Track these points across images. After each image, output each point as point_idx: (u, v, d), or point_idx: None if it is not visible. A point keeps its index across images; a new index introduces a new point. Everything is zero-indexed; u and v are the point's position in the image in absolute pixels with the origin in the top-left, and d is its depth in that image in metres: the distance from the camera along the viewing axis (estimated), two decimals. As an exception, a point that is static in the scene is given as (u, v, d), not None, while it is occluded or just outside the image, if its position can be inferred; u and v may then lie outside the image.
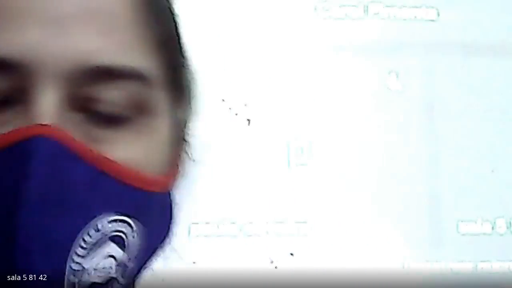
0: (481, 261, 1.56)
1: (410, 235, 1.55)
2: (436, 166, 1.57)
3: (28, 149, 0.50)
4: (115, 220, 0.53)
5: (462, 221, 1.56)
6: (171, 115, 0.58)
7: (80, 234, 0.51)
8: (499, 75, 1.59)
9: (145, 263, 0.58)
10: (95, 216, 0.52)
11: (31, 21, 0.52)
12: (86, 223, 0.52)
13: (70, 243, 0.51)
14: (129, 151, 0.54)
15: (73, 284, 0.51)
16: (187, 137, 0.62)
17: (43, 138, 0.50)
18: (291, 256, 1.50)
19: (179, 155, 0.61)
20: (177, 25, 0.61)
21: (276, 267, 1.49)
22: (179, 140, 0.60)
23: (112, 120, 0.53)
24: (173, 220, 0.60)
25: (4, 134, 0.51)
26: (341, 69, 1.55)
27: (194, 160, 0.62)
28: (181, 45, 0.61)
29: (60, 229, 0.50)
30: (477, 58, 1.58)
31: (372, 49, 1.54)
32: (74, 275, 0.51)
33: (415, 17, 1.57)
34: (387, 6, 1.55)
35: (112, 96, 0.53)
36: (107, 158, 0.53)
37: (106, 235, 0.53)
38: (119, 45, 0.54)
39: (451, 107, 1.57)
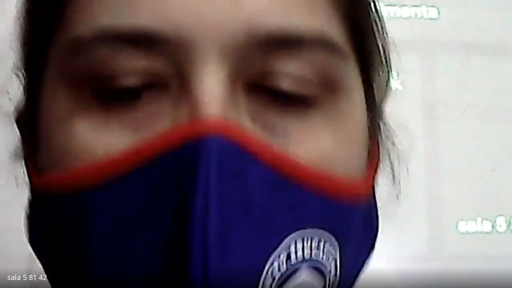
0: (481, 260, 1.56)
1: (409, 234, 1.54)
2: (435, 165, 1.57)
3: (197, 154, 0.37)
4: (310, 240, 0.40)
5: (462, 220, 1.55)
6: (364, 95, 0.45)
7: (269, 262, 0.39)
8: (500, 74, 1.59)
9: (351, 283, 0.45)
10: (285, 236, 0.39)
11: None
12: (275, 246, 0.39)
13: (258, 273, 0.38)
14: (321, 145, 0.41)
15: None
16: (384, 121, 0.49)
17: (215, 139, 0.38)
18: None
19: (378, 143, 0.49)
20: None
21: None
22: (375, 126, 0.48)
23: (295, 103, 0.40)
24: (379, 223, 0.47)
25: (162, 134, 0.39)
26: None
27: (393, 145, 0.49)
28: (373, 6, 0.47)
29: (246, 256, 0.38)
30: (477, 57, 1.58)
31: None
32: None
33: (416, 15, 1.56)
34: (387, 6, 1.54)
35: (294, 70, 0.40)
36: (295, 161, 0.40)
37: (302, 261, 0.40)
38: (297, 2, 0.40)
39: (451, 107, 1.57)
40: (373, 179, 0.46)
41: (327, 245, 0.41)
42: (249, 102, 0.41)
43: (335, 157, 0.41)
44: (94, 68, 0.40)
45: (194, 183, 0.37)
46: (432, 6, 1.57)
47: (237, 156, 0.38)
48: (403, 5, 1.56)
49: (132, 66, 0.39)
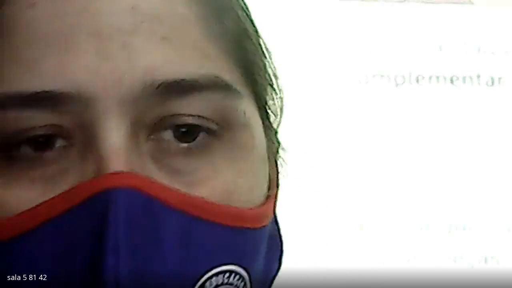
0: (483, 260, 1.56)
1: (415, 234, 1.55)
2: (439, 168, 1.57)
3: (104, 206, 0.40)
4: (222, 274, 0.42)
5: (465, 220, 1.56)
6: (263, 126, 0.48)
7: None
8: None
9: None
10: (199, 274, 0.41)
11: (79, 42, 0.41)
12: (191, 285, 0.41)
13: None
14: (224, 180, 0.43)
15: None
16: (280, 150, 0.51)
17: (120, 191, 0.40)
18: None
19: (276, 171, 0.50)
20: (250, 19, 0.49)
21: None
22: (272, 157, 0.50)
23: (197, 143, 0.43)
24: (283, 245, 0.49)
25: (71, 189, 0.41)
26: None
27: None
28: (260, 43, 0.50)
29: None
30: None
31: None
32: None
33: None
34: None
35: (191, 110, 0.42)
36: (201, 199, 0.42)
37: None
38: (189, 52, 0.43)
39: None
40: (275, 203, 0.48)
41: (236, 277, 0.43)
42: (153, 147, 0.43)
43: (238, 190, 0.44)
44: (1, 129, 0.42)
45: (105, 235, 0.39)
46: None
47: (142, 203, 0.40)
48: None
49: (36, 123, 0.42)
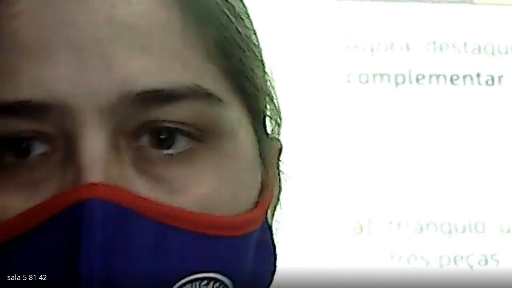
0: (483, 260, 1.56)
1: (415, 234, 1.55)
2: (445, 167, 1.57)
3: (79, 217, 0.40)
4: (198, 280, 0.42)
5: (465, 221, 1.56)
6: (254, 132, 0.48)
7: None
8: None
9: None
10: (173, 280, 0.42)
11: (57, 53, 0.42)
12: None
13: None
14: (205, 188, 0.43)
15: None
16: (279, 156, 0.51)
17: (95, 202, 0.40)
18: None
19: (272, 177, 0.50)
20: (241, 22, 0.48)
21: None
22: (268, 162, 0.49)
23: (178, 150, 0.43)
24: (275, 250, 0.49)
25: (50, 199, 0.42)
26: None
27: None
28: (250, 45, 0.49)
29: None
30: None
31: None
32: None
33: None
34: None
35: (172, 117, 0.43)
36: (176, 209, 0.42)
37: None
38: (169, 61, 0.43)
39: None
40: (267, 208, 0.48)
41: (217, 284, 0.43)
42: (134, 155, 0.43)
43: (220, 198, 0.44)
44: None
45: (79, 245, 0.40)
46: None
47: (116, 214, 0.41)
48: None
49: (18, 129, 0.42)
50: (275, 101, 0.51)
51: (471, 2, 1.59)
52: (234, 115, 0.46)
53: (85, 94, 0.42)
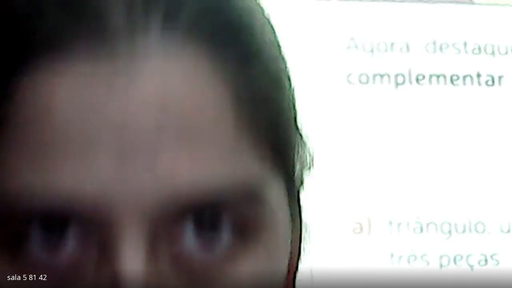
0: (483, 260, 1.56)
1: (415, 234, 1.55)
2: (445, 166, 1.57)
3: None
4: None
5: (465, 220, 1.56)
6: (287, 215, 0.45)
7: None
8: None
9: None
10: None
11: (98, 151, 0.38)
12: None
13: None
14: (243, 284, 0.41)
15: None
16: (304, 232, 0.50)
17: None
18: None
19: (298, 253, 0.49)
20: (293, 100, 0.46)
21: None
22: (297, 240, 0.48)
23: (219, 245, 0.40)
24: None
25: None
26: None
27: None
28: (290, 106, 0.46)
29: None
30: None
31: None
32: None
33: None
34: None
35: (213, 224, 0.40)
36: None
37: None
38: (219, 159, 0.40)
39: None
40: (295, 273, 0.48)
41: None
42: (174, 258, 0.40)
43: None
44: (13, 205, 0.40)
45: None
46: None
47: None
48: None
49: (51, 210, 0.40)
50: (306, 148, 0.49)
51: (471, 2, 1.59)
52: (276, 196, 0.43)
53: (126, 200, 0.38)
